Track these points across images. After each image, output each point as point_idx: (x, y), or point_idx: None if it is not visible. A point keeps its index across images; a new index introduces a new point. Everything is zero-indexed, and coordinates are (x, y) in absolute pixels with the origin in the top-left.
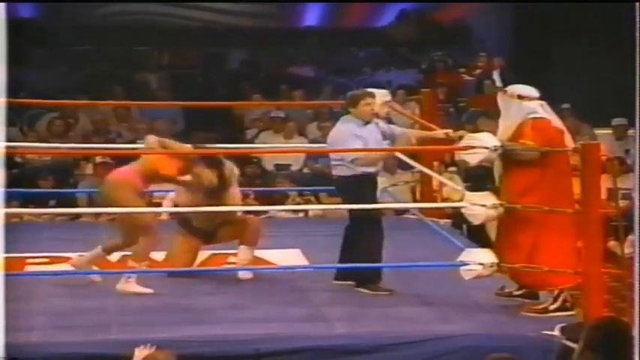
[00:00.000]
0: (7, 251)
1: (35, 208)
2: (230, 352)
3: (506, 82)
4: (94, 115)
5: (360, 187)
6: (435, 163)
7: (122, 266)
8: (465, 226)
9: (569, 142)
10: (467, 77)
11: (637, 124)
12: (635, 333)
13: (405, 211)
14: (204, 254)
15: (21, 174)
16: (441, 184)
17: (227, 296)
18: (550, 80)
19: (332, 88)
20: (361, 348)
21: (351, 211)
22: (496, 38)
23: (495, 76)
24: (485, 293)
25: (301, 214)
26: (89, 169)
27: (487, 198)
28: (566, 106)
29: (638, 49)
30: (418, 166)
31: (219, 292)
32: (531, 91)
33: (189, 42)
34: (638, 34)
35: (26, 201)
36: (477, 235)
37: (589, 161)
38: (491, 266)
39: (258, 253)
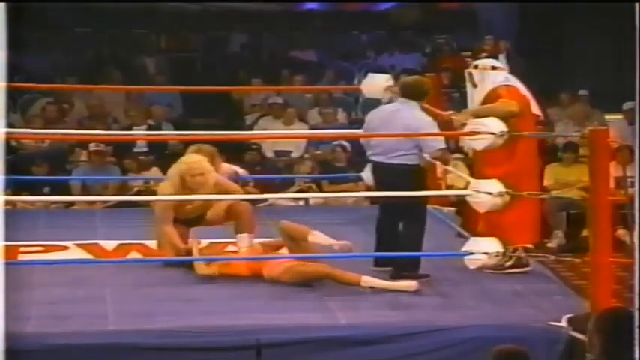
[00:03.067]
0: None
1: (29, 195)
2: (230, 343)
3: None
4: (89, 100)
5: (420, 178)
6: None
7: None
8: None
9: (535, 109)
10: (472, 61)
11: (637, 124)
12: (635, 331)
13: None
14: (202, 242)
15: (15, 160)
16: (445, 172)
17: (227, 286)
18: (558, 65)
19: (334, 73)
20: (365, 339)
21: (397, 200)
22: (503, 21)
23: (502, 60)
24: (492, 283)
25: (302, 202)
26: (84, 156)
27: (493, 185)
28: (583, 92)
29: (638, 49)
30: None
31: (218, 282)
32: (501, 63)
33: (188, 25)
34: (638, 34)
35: (20, 188)
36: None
37: (597, 147)
38: (497, 255)
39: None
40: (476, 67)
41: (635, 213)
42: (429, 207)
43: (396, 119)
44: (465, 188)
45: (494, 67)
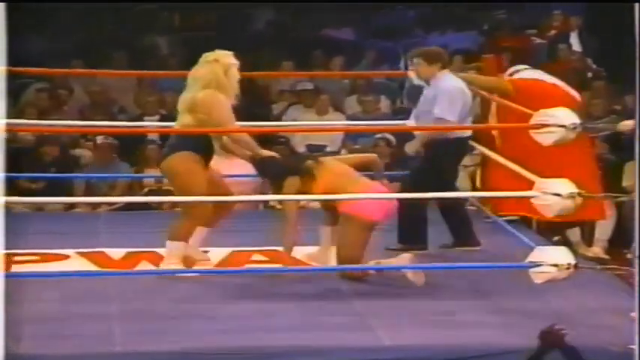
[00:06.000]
0: None
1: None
2: None
3: (585, 47)
4: (91, 86)
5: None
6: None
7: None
8: (534, 220)
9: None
10: (537, 40)
11: (637, 123)
12: (635, 333)
13: (463, 201)
14: (223, 252)
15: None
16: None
17: (252, 301)
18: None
19: (375, 54)
20: None
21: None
22: None
23: (573, 39)
24: (561, 298)
25: None
26: (88, 150)
27: (563, 186)
28: None
29: (638, 49)
30: (478, 147)
31: (242, 296)
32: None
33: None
34: (638, 34)
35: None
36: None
37: None
38: (568, 267)
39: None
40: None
41: (635, 213)
42: (488, 211)
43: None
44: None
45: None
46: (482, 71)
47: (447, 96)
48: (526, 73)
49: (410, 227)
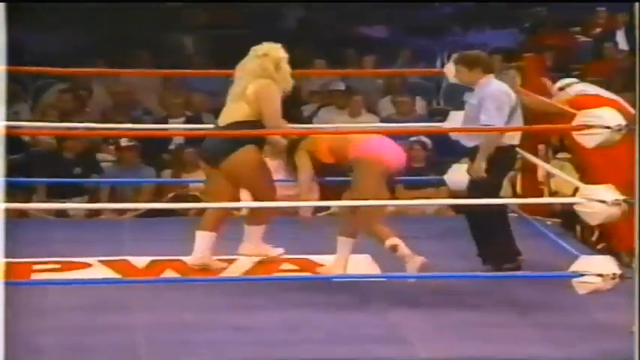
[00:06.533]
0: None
1: (44, 201)
2: None
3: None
4: (114, 86)
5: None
6: (541, 147)
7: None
8: (578, 228)
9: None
10: (582, 38)
11: (637, 123)
12: (635, 331)
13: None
14: (252, 259)
15: (26, 159)
16: (548, 175)
17: (281, 311)
18: None
19: (410, 53)
20: None
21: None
22: None
23: (619, 37)
24: (608, 310)
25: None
26: (111, 153)
27: (608, 192)
28: None
29: (638, 49)
30: (519, 151)
31: (270, 306)
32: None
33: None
34: (638, 34)
35: (32, 193)
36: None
37: None
38: (613, 278)
39: (317, 258)
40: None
41: (635, 212)
42: (530, 218)
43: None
44: (574, 195)
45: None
46: (523, 71)
47: (493, 101)
48: (579, 87)
49: (494, 244)
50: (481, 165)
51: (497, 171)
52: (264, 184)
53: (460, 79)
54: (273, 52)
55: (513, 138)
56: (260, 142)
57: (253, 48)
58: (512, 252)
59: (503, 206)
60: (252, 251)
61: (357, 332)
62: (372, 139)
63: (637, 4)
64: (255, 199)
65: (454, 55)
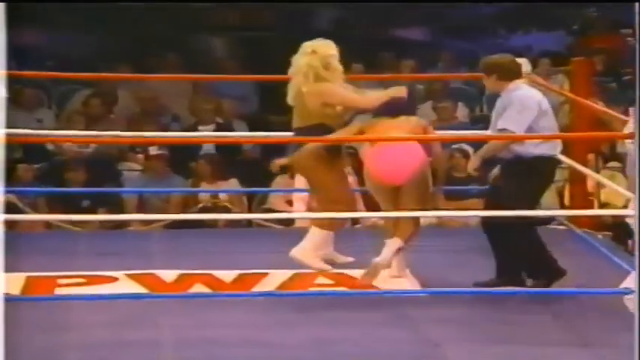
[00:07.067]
0: (32, 269)
1: (68, 212)
2: None
3: None
4: (140, 92)
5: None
6: (590, 156)
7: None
8: (630, 241)
9: None
10: (633, 41)
11: (637, 123)
12: (635, 329)
13: (550, 219)
14: (285, 274)
15: (50, 168)
16: (598, 185)
17: (314, 327)
18: None
19: (451, 56)
20: None
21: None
22: None
23: None
24: None
25: None
26: (138, 162)
27: None
28: None
29: (638, 49)
30: (567, 160)
31: (302, 322)
32: None
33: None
34: (638, 34)
35: (57, 203)
36: None
37: None
38: None
39: (353, 272)
40: None
41: (635, 212)
42: (578, 231)
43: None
44: (625, 207)
45: None
46: (571, 76)
47: (515, 106)
48: None
49: (532, 260)
50: (474, 161)
51: (528, 184)
52: (328, 185)
53: (486, 87)
54: (321, 49)
55: (553, 148)
56: (333, 148)
57: (303, 44)
58: (543, 269)
59: (534, 221)
60: (307, 257)
61: (395, 350)
62: (379, 149)
63: (637, 4)
64: (320, 200)
65: (480, 61)
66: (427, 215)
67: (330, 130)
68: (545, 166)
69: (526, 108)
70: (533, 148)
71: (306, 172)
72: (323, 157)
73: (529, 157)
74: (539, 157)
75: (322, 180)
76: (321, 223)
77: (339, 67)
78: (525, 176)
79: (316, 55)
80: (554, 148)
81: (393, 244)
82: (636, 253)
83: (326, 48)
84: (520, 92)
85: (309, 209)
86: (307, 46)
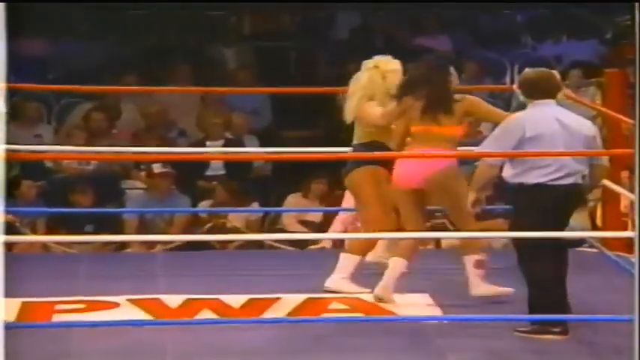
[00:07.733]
0: (28, 293)
1: (68, 233)
2: None
3: None
4: (147, 105)
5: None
6: (624, 174)
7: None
8: None
9: None
10: None
11: (637, 123)
12: (635, 330)
13: (581, 241)
14: (297, 298)
15: (50, 187)
16: (632, 205)
17: (328, 355)
18: None
19: (476, 66)
20: None
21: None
22: None
23: None
24: None
25: (430, 245)
26: (141, 179)
27: None
28: None
29: (638, 49)
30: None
31: (316, 350)
32: None
33: (280, 3)
34: (638, 34)
35: (56, 224)
36: None
37: None
38: None
39: (368, 297)
40: None
41: (635, 212)
42: (611, 254)
43: (574, 126)
44: None
45: None
46: (604, 88)
47: (499, 129)
48: None
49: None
50: (471, 197)
51: (543, 215)
52: (374, 207)
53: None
54: (382, 64)
55: (543, 176)
56: (382, 163)
57: (365, 62)
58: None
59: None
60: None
61: None
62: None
63: (637, 4)
64: (364, 221)
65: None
66: (449, 237)
67: (386, 149)
68: (542, 195)
69: (506, 133)
70: (512, 177)
71: (357, 190)
72: (379, 176)
73: (529, 185)
74: (538, 185)
75: (371, 201)
76: (351, 249)
77: (394, 81)
78: (523, 205)
79: (378, 70)
80: (548, 175)
81: (396, 264)
82: (636, 253)
83: (387, 64)
84: (521, 114)
85: (346, 231)
86: (369, 62)
